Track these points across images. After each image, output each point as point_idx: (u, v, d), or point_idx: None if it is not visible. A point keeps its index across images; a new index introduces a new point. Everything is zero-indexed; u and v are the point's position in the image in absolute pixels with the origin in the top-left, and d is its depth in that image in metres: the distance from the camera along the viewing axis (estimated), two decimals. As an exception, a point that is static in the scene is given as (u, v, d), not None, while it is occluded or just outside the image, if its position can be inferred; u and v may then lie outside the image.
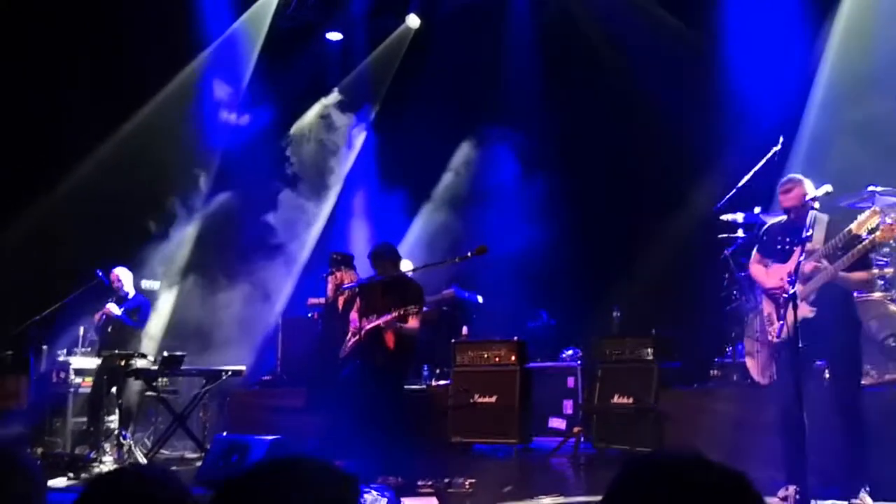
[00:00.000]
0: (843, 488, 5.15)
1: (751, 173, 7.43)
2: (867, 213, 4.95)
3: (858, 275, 5.17)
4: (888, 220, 4.87)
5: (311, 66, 12.13)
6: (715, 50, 9.45)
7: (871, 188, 6.89)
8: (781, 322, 5.29)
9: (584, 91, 11.04)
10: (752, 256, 5.78)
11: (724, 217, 7.82)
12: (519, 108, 11.23)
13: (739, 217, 7.71)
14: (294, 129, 12.25)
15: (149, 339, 9.62)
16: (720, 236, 8.02)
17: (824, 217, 5.31)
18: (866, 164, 7.14)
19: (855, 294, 6.74)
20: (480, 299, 10.59)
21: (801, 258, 5.07)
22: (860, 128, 7.59)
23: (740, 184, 7.56)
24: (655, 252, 10.00)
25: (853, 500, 5.02)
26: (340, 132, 12.22)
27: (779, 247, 5.43)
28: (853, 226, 4.96)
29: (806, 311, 5.11)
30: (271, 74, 11.80)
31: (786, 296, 4.91)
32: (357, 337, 6.99)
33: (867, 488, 5.07)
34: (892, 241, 6.52)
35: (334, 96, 12.32)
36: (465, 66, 11.39)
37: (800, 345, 4.81)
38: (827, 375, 5.49)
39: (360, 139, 12.41)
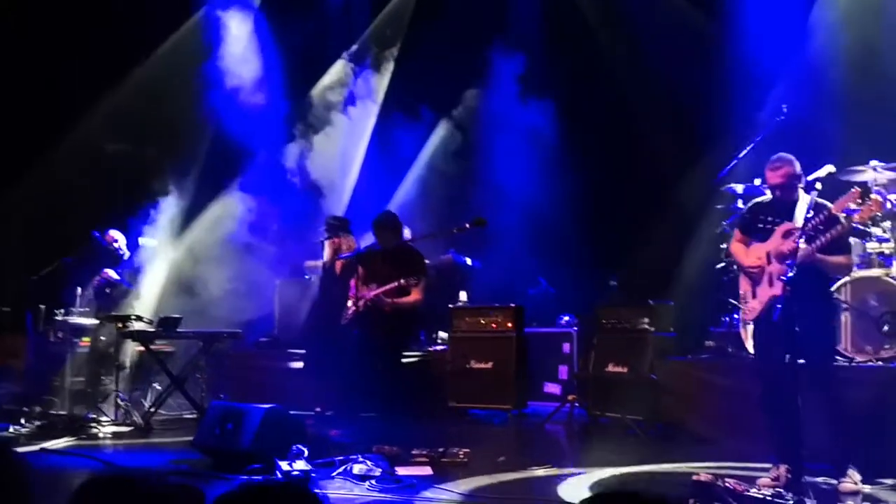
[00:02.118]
0: (831, 466, 5.19)
1: (751, 144, 7.38)
2: (848, 193, 4.91)
3: (836, 258, 5.14)
4: (866, 203, 4.83)
5: (314, 25, 11.94)
6: (722, 17, 9.31)
7: (872, 162, 6.85)
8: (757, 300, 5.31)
9: (589, 59, 10.91)
10: (734, 234, 5.76)
11: (724, 188, 7.79)
12: (523, 71, 11.15)
13: (739, 188, 7.68)
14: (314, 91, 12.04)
15: (147, 298, 9.61)
16: (718, 207, 7.99)
17: (807, 197, 5.28)
18: (871, 138, 7.07)
19: (854, 269, 6.79)
20: (472, 263, 10.58)
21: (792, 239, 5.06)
22: (866, 102, 7.52)
23: (741, 154, 7.52)
24: (655, 221, 9.98)
25: (841, 479, 5.05)
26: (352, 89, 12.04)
27: (760, 225, 5.42)
28: (833, 206, 4.93)
29: (779, 288, 5.11)
30: (274, 32, 11.61)
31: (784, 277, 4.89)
32: (356, 307, 6.99)
33: (853, 466, 5.10)
34: (869, 222, 6.49)
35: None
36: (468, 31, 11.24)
37: (773, 320, 4.83)
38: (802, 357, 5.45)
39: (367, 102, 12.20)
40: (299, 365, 9.36)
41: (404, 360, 8.18)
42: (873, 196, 4.87)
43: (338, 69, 12.13)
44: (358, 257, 7.07)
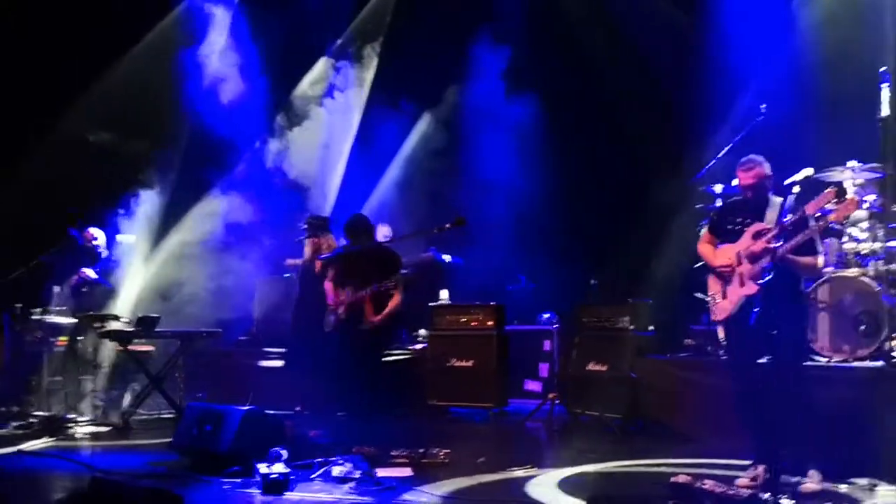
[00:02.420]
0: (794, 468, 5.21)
1: (731, 144, 7.40)
2: (823, 194, 4.93)
3: (806, 259, 5.16)
4: (842, 202, 4.85)
5: (293, 21, 11.86)
6: (705, 20, 9.34)
7: (850, 163, 6.90)
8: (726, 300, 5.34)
9: (571, 57, 10.91)
10: (702, 235, 5.78)
11: (703, 187, 7.83)
12: (506, 66, 11.16)
13: (718, 188, 7.71)
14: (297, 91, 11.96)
15: (125, 297, 9.53)
16: (697, 206, 8.02)
17: (778, 199, 5.31)
18: (848, 139, 7.12)
19: (831, 268, 6.83)
20: (453, 261, 10.57)
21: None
22: (842, 104, 7.57)
23: (720, 154, 7.54)
24: (635, 220, 10.00)
25: (802, 480, 5.07)
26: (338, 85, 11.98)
27: (730, 226, 5.44)
28: (808, 206, 4.95)
29: (753, 289, 5.14)
30: (254, 29, 11.53)
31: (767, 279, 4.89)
32: (337, 315, 7.01)
33: (814, 468, 5.12)
34: (845, 221, 6.53)
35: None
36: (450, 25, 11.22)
37: (749, 323, 4.85)
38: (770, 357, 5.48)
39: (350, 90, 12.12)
40: (279, 364, 9.34)
41: (385, 359, 8.16)
42: (849, 196, 4.88)
43: (320, 67, 12.06)
44: (336, 258, 7.05)
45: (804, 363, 5.38)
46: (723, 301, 5.43)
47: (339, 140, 11.87)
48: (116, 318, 8.41)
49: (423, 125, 11.96)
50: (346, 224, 7.37)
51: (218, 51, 11.20)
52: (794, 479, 5.13)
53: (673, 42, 9.69)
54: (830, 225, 5.19)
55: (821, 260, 5.23)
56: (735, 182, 7.22)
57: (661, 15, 10.11)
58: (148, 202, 10.42)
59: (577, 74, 10.89)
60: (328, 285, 7.56)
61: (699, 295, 7.30)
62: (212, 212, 10.72)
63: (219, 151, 10.91)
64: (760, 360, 5.31)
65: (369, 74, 12.07)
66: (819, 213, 5.06)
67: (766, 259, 5.05)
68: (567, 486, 5.37)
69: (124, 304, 9.14)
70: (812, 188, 5.22)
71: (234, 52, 11.30)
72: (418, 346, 9.51)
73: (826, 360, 6.55)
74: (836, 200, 5.08)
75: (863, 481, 5.20)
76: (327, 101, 11.80)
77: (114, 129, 11.08)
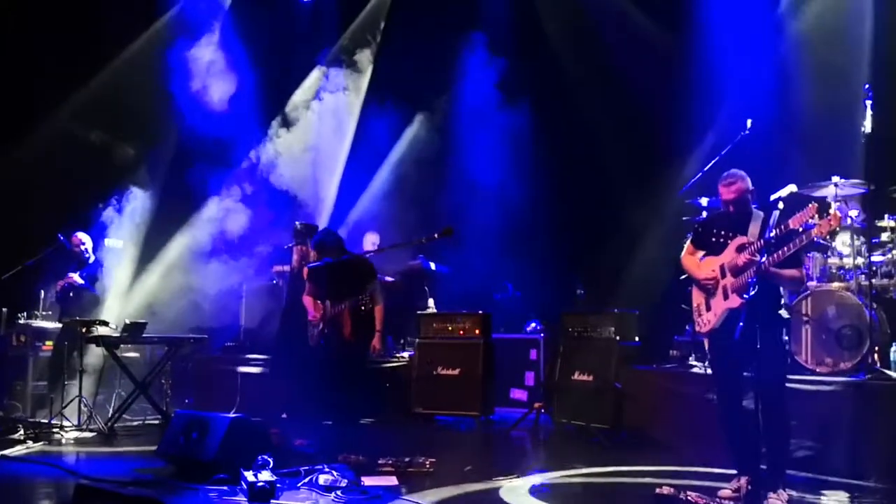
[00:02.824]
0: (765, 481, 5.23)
1: (717, 158, 7.46)
2: (806, 208, 4.99)
3: (790, 272, 5.21)
4: (824, 217, 4.90)
5: (281, 29, 11.89)
6: (690, 35, 9.43)
7: (834, 178, 6.98)
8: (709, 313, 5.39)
9: (561, 65, 10.98)
10: (685, 248, 5.84)
11: (689, 200, 7.90)
12: (497, 75, 11.18)
13: (704, 201, 7.79)
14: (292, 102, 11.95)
15: (112, 302, 9.51)
16: (684, 218, 8.09)
17: (760, 213, 5.37)
18: (829, 154, 7.20)
19: (815, 282, 6.91)
20: (439, 269, 10.60)
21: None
22: (826, 117, 7.66)
23: (706, 167, 7.60)
24: (621, 231, 10.08)
25: (770, 495, 5.08)
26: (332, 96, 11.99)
27: (713, 239, 5.50)
28: (791, 221, 5.01)
29: (736, 302, 5.20)
30: (243, 36, 11.53)
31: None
32: (321, 327, 7.06)
33: (784, 487, 5.15)
34: (828, 237, 6.60)
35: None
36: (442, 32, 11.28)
37: (734, 338, 4.90)
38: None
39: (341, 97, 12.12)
40: (265, 370, 9.34)
41: (370, 366, 8.18)
42: (832, 211, 4.93)
43: (315, 75, 12.06)
44: (311, 272, 7.17)
45: (786, 376, 5.43)
46: (707, 313, 5.48)
47: (333, 147, 11.88)
48: (105, 323, 8.40)
49: (412, 131, 11.99)
50: (315, 243, 7.46)
51: (208, 54, 11.20)
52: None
53: (657, 56, 9.78)
54: (815, 239, 5.23)
55: (803, 272, 5.28)
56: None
57: (645, 32, 10.22)
58: (137, 206, 10.41)
59: (565, 84, 10.97)
60: (307, 299, 7.62)
61: (685, 307, 7.37)
62: (203, 218, 10.71)
63: (208, 156, 10.90)
64: (744, 373, 5.36)
65: (363, 81, 12.10)
66: (802, 228, 5.12)
67: (751, 273, 5.10)
68: (545, 495, 5.42)
69: (111, 310, 9.12)
70: (796, 204, 5.26)
71: (225, 55, 11.30)
72: (405, 354, 9.54)
73: (809, 373, 6.62)
74: (818, 216, 5.13)
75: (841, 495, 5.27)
76: (320, 107, 11.80)
77: (104, 130, 11.09)
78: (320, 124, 11.68)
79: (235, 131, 10.96)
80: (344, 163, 11.88)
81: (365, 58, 12.10)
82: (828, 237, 6.62)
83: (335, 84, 11.88)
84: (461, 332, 9.00)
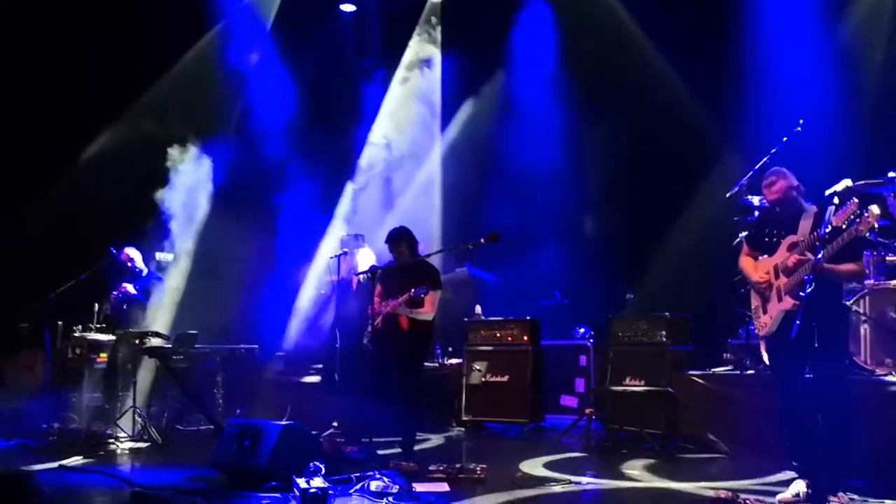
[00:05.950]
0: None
1: (766, 157, 7.34)
2: (847, 205, 4.87)
3: (846, 266, 5.08)
4: (866, 213, 4.78)
5: (326, 40, 11.98)
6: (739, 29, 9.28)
7: (891, 174, 6.79)
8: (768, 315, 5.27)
9: (604, 70, 10.87)
10: (743, 248, 5.73)
11: (739, 199, 7.75)
12: (536, 83, 11.15)
13: (755, 200, 7.63)
14: None
15: (162, 313, 9.61)
16: (735, 219, 7.94)
17: (812, 208, 5.25)
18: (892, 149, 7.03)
19: (872, 280, 6.73)
20: (486, 277, 10.56)
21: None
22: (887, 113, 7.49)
23: (757, 166, 7.47)
24: (671, 234, 9.94)
25: (830, 499, 4.95)
26: None
27: (766, 239, 5.39)
28: (833, 218, 4.89)
29: (788, 304, 5.08)
30: (287, 49, 11.63)
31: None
32: (374, 325, 6.92)
33: (845, 490, 5.01)
34: (869, 232, 6.42)
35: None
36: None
37: (791, 336, 4.78)
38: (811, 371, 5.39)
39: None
40: (316, 380, 9.38)
41: (421, 374, 8.14)
42: (871, 207, 4.81)
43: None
44: (374, 274, 7.00)
45: (846, 376, 5.29)
46: (763, 316, 5.38)
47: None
48: (158, 334, 8.51)
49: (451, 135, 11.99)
50: (389, 235, 7.24)
51: (253, 70, 11.32)
52: (839, 495, 5.02)
53: (706, 53, 9.63)
54: (868, 236, 5.11)
55: (863, 265, 5.15)
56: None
57: (695, 30, 10.07)
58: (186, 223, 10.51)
59: (617, 84, 10.84)
60: (377, 299, 7.48)
61: (749, 314, 7.24)
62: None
63: (258, 173, 11.00)
64: (804, 374, 5.23)
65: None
66: (846, 225, 4.98)
67: (806, 269, 4.99)
68: (598, 501, 5.35)
69: (163, 321, 9.23)
70: (850, 199, 5.14)
71: (270, 71, 11.41)
72: (454, 362, 9.51)
73: (868, 373, 6.45)
74: (857, 213, 4.98)
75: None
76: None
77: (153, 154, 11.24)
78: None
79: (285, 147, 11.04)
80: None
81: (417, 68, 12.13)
82: (867, 233, 6.43)
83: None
84: (509, 338, 8.96)
